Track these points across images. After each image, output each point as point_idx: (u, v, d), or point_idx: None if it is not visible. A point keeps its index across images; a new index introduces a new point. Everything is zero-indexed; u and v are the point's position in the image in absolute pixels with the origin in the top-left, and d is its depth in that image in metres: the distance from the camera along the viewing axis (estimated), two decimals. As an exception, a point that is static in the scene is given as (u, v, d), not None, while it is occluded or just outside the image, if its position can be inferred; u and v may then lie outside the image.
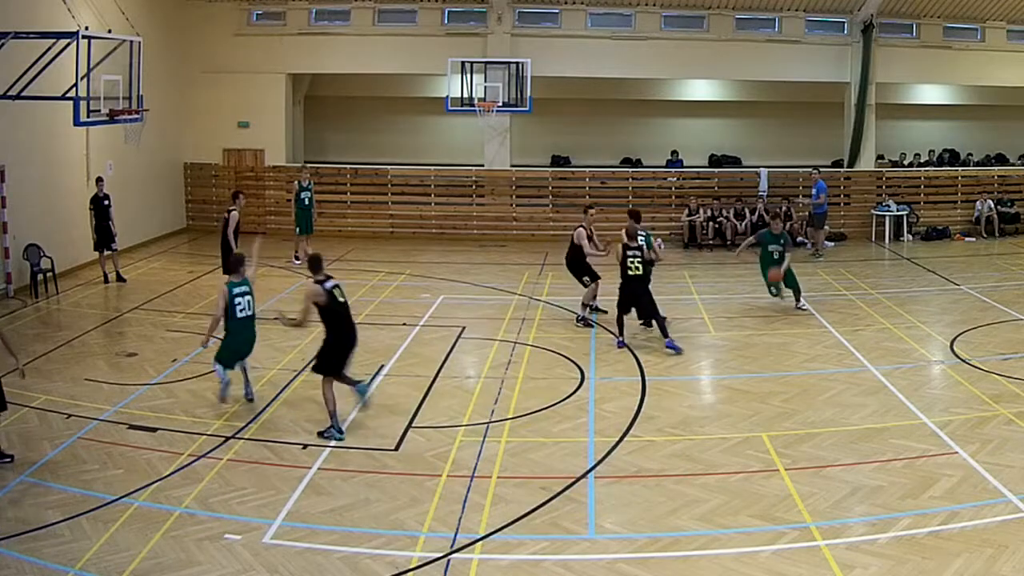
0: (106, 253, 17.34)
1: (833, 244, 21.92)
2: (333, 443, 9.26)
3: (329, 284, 9.50)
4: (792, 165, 23.45)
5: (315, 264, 9.76)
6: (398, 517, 7.72)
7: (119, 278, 17.22)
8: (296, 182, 19.61)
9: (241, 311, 10.18)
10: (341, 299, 9.63)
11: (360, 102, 24.77)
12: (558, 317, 14.62)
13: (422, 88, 24.62)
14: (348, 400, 10.64)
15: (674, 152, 24.38)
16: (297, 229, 19.36)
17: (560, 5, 22.88)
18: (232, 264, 10.46)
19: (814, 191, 20.61)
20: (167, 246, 21.39)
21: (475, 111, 21.28)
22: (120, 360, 12.22)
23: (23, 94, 13.39)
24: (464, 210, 23.17)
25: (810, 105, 24.15)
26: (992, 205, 23.08)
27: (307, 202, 19.22)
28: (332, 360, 9.53)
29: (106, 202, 17.19)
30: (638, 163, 24.59)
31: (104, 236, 17.21)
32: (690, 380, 11.73)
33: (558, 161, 24.57)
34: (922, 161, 24.86)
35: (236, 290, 10.17)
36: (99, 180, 17.38)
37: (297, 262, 18.52)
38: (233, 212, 15.99)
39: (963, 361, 12.00)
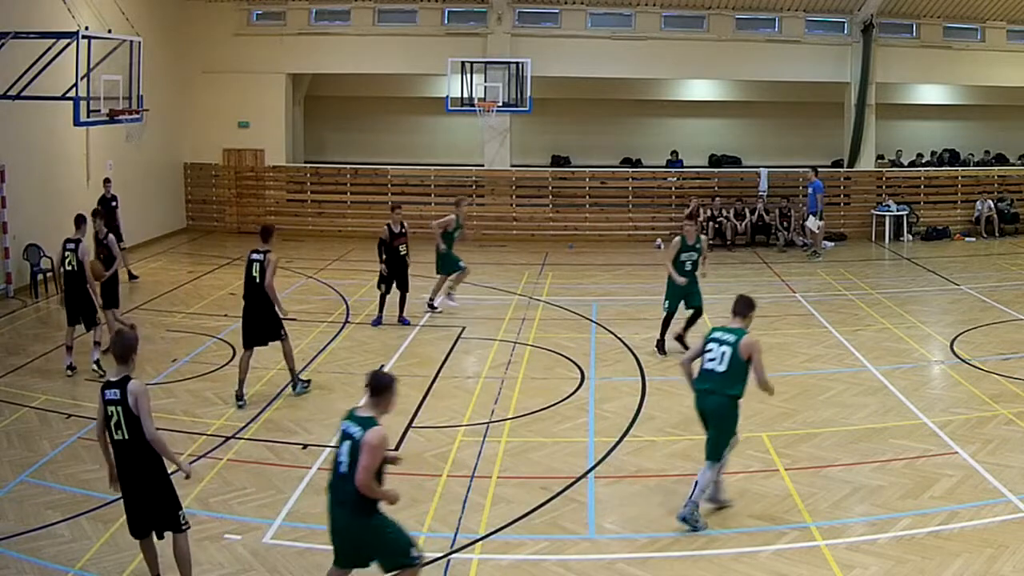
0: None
1: (833, 244, 21.90)
2: None
3: None
4: (792, 165, 23.43)
5: None
6: (398, 517, 7.70)
7: (130, 276, 17.14)
8: (454, 216, 15.46)
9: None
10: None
11: (360, 102, 24.75)
12: (558, 317, 14.62)
13: (422, 88, 24.61)
14: (348, 396, 10.64)
15: (674, 152, 24.37)
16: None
17: (560, 5, 22.87)
18: None
19: (810, 189, 20.62)
20: (167, 246, 21.38)
21: (475, 111, 21.27)
22: (120, 360, 12.19)
23: (23, 94, 13.38)
24: (464, 210, 23.09)
25: (810, 105, 24.13)
26: (992, 205, 23.07)
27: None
28: None
29: (114, 203, 17.12)
30: (638, 163, 24.57)
31: None
32: (690, 380, 11.70)
33: (558, 161, 24.56)
34: (922, 161, 24.86)
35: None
36: (107, 181, 17.33)
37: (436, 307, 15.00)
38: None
39: (963, 361, 12.00)
